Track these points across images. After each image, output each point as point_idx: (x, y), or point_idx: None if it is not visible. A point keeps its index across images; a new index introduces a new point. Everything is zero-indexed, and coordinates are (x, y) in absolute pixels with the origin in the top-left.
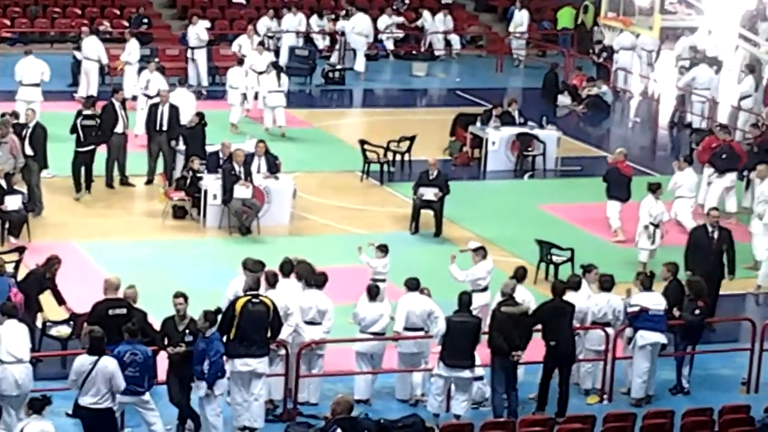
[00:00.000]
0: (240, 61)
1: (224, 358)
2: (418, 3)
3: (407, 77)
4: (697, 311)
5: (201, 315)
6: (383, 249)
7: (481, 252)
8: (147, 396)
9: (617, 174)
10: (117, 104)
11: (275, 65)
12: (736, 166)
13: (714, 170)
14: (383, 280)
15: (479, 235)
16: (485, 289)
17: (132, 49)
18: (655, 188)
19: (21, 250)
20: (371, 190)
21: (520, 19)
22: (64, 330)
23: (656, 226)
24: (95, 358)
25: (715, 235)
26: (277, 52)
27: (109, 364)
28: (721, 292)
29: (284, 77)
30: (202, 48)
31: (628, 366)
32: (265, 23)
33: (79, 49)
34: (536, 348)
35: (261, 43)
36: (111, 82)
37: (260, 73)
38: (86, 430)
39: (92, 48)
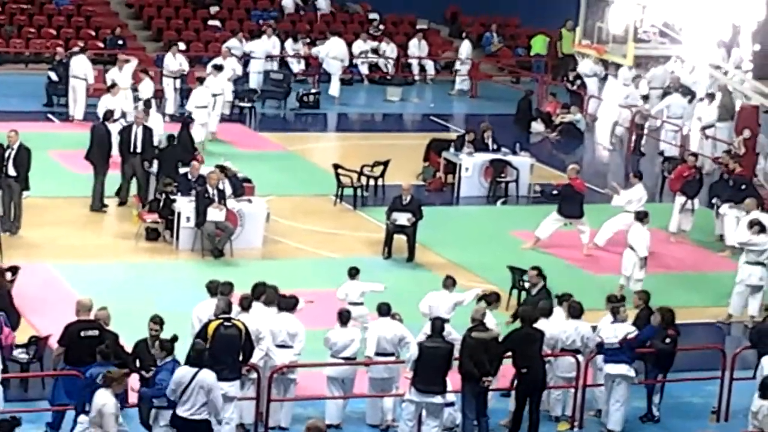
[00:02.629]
0: (201, 80)
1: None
2: (394, 28)
3: (381, 102)
4: (667, 339)
5: (157, 344)
6: (351, 272)
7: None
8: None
9: (570, 191)
10: (109, 127)
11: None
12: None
13: (686, 198)
14: (360, 304)
15: (451, 260)
16: None
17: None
18: (642, 216)
19: (14, 270)
20: (344, 215)
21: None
22: (22, 356)
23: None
24: (195, 370)
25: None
26: (247, 75)
27: (207, 377)
28: (692, 321)
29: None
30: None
31: (598, 392)
32: (233, 44)
33: (54, 69)
34: (507, 375)
35: (216, 66)
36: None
37: (215, 95)
38: None
39: (80, 66)
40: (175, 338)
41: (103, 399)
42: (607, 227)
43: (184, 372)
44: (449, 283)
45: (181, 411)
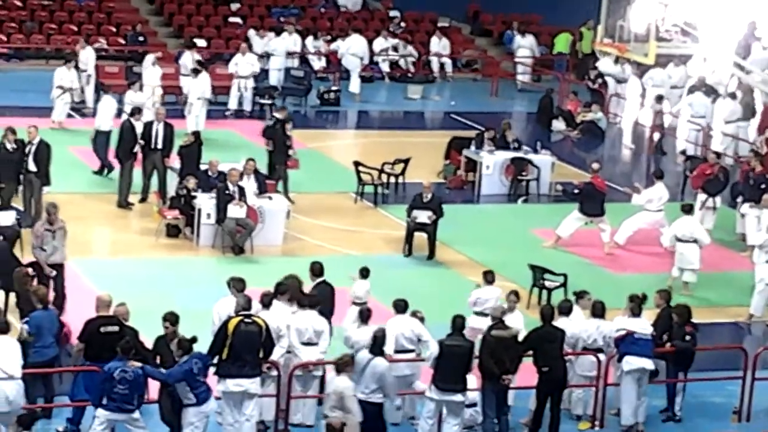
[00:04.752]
0: (195, 71)
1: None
2: (415, 26)
3: (402, 100)
4: (687, 337)
5: (175, 342)
6: (363, 272)
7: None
8: (137, 414)
9: (592, 189)
10: (135, 124)
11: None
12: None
13: (707, 195)
14: (364, 304)
15: (472, 258)
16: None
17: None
18: (688, 209)
19: (33, 265)
20: (365, 212)
21: (528, 43)
22: None
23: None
24: (371, 356)
25: None
26: (266, 72)
27: (380, 363)
28: (713, 320)
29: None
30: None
31: (618, 391)
32: (255, 39)
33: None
34: (528, 373)
35: (195, 70)
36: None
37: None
38: None
39: (90, 59)
40: (194, 339)
41: (343, 383)
42: (627, 226)
43: (362, 356)
44: (490, 278)
45: (357, 392)
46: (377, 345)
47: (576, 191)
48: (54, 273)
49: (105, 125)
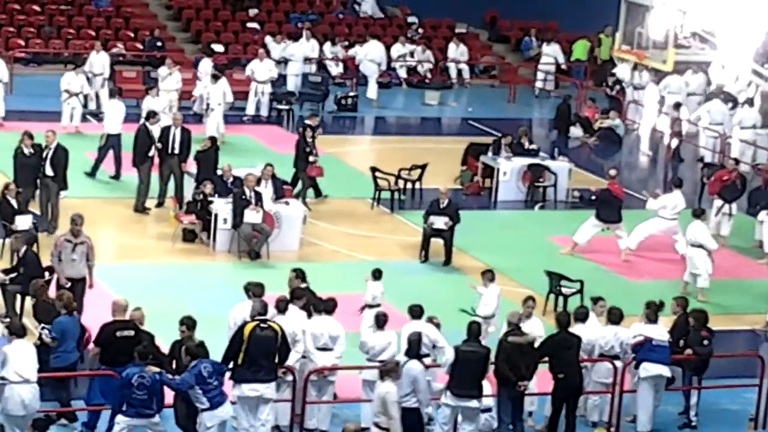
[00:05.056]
0: (215, 77)
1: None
2: (432, 32)
3: (419, 105)
4: (704, 342)
5: (183, 349)
6: (376, 274)
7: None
8: (157, 418)
9: (609, 195)
10: (150, 128)
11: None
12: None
13: (723, 202)
14: (378, 305)
15: (488, 264)
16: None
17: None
18: (699, 213)
19: (51, 270)
20: (382, 218)
21: (552, 51)
22: None
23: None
24: (406, 359)
25: None
26: (284, 78)
27: (414, 367)
28: (730, 328)
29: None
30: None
31: (634, 398)
32: (272, 45)
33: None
34: (546, 380)
35: (214, 76)
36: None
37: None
38: None
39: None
40: (201, 344)
41: (386, 388)
42: (639, 230)
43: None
44: (489, 276)
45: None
46: (412, 349)
47: (593, 197)
48: (68, 284)
49: (113, 129)
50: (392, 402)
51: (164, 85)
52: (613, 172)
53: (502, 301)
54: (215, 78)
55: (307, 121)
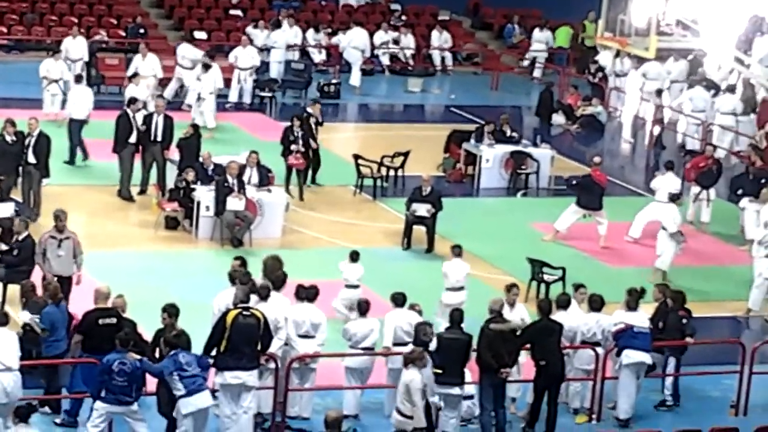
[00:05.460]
0: (206, 66)
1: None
2: (415, 19)
3: (402, 93)
4: (683, 321)
5: (162, 340)
6: (353, 256)
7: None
8: (135, 406)
9: (590, 182)
10: (131, 114)
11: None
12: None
13: (700, 188)
14: (356, 287)
15: (471, 251)
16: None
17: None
18: (674, 198)
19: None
20: (364, 205)
21: (544, 38)
22: None
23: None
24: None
25: None
26: (267, 65)
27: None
28: (711, 315)
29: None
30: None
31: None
32: (255, 34)
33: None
34: (526, 367)
35: (206, 65)
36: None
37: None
38: None
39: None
40: (179, 334)
41: (410, 375)
42: (639, 219)
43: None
44: (457, 251)
45: None
46: (418, 337)
47: (574, 182)
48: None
49: (79, 114)
50: (417, 389)
51: (142, 71)
52: (597, 159)
53: (484, 289)
54: (206, 67)
55: (309, 109)
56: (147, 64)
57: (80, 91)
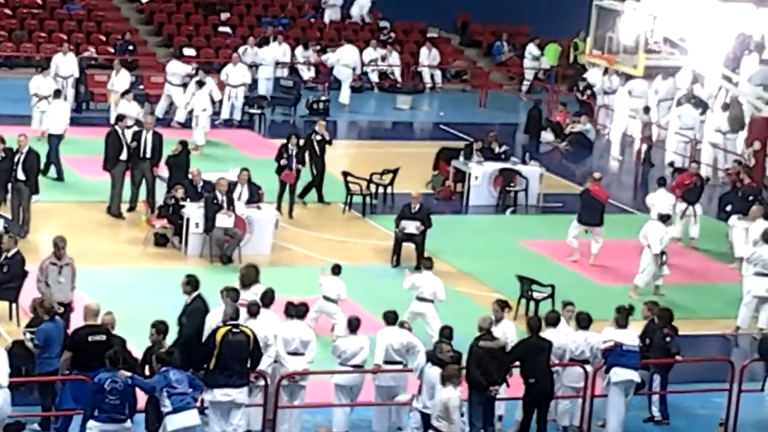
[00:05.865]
0: (200, 83)
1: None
2: (404, 36)
3: (391, 110)
4: (667, 338)
5: (154, 357)
6: (335, 269)
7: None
8: (129, 423)
9: (588, 197)
10: (120, 131)
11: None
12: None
13: (686, 204)
14: (334, 301)
15: (460, 269)
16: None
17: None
18: (665, 218)
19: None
20: (353, 222)
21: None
22: None
23: (663, 254)
24: (429, 364)
25: None
26: (256, 82)
27: (433, 373)
28: (700, 333)
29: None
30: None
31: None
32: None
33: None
34: (517, 384)
35: (199, 82)
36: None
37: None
38: None
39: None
40: (170, 352)
41: (448, 393)
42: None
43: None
44: (429, 264)
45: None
46: (434, 356)
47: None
48: (61, 310)
49: (56, 129)
50: (455, 407)
51: (115, 86)
52: (597, 174)
53: (473, 307)
54: (200, 84)
55: (316, 128)
56: (120, 80)
57: (58, 106)
